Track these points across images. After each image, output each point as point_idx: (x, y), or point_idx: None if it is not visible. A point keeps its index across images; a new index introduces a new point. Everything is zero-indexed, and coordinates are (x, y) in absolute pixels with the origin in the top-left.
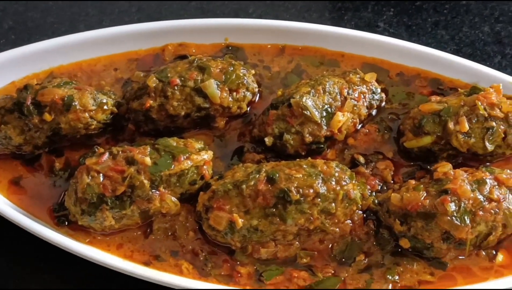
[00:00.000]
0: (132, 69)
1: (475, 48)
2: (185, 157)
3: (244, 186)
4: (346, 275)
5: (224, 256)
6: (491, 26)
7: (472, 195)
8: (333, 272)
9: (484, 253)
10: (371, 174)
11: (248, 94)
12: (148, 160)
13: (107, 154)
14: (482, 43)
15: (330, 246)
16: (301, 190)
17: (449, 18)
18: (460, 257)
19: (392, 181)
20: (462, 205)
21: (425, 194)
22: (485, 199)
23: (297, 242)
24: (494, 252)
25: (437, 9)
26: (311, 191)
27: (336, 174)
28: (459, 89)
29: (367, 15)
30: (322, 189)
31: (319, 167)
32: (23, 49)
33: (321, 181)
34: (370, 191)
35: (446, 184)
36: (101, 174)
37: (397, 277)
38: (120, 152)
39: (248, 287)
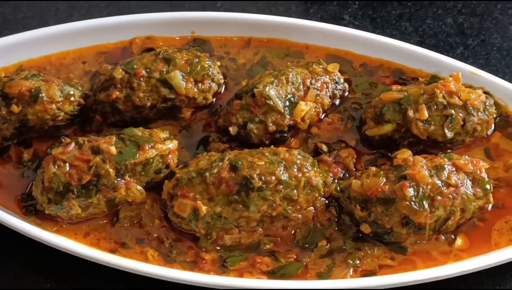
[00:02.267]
0: (100, 62)
1: (438, 39)
2: (150, 146)
3: (207, 173)
4: (308, 260)
5: (189, 243)
6: (454, 18)
7: (430, 180)
8: (295, 257)
9: (443, 237)
10: (334, 162)
11: (214, 85)
12: (113, 149)
13: (73, 144)
14: (445, 34)
15: (293, 232)
16: (263, 177)
17: (413, 11)
18: (419, 242)
19: (354, 169)
20: (421, 190)
21: (384, 180)
22: (443, 184)
23: (260, 229)
24: (453, 237)
25: (401, 2)
26: (273, 178)
27: (298, 161)
28: (420, 78)
29: (332, 8)
30: (284, 176)
31: (281, 155)
32: None
33: (283, 168)
34: (332, 178)
35: (405, 170)
36: (67, 164)
37: (358, 262)
38: (86, 142)
39: (212, 273)
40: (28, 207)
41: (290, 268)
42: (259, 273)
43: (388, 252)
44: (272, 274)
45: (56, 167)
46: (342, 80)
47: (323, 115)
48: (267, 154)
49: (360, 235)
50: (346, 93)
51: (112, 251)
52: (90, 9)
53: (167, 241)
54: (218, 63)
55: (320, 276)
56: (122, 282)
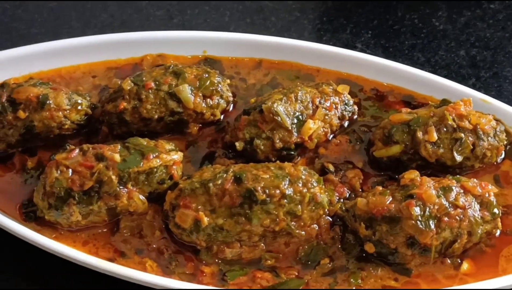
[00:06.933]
0: (110, 77)
1: (450, 70)
2: (154, 155)
3: (211, 184)
4: (310, 277)
5: (188, 255)
6: (466, 51)
7: (437, 200)
8: (296, 274)
9: (449, 261)
10: (340, 182)
11: (222, 101)
12: (117, 157)
13: (77, 150)
14: (457, 66)
15: (296, 250)
16: (267, 190)
17: (425, 42)
18: (425, 264)
19: (360, 190)
20: (427, 210)
21: (390, 199)
22: (450, 205)
23: (262, 244)
24: (460, 261)
25: (414, 33)
26: (277, 191)
27: (303, 177)
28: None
29: (345, 37)
30: (289, 191)
31: (287, 170)
32: (3, 54)
33: (287, 183)
34: (338, 197)
35: (412, 189)
36: (70, 169)
37: (360, 281)
38: (91, 149)
39: (211, 286)
40: (29, 213)
41: (291, 285)
42: (258, 288)
43: (392, 273)
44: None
45: (59, 172)
46: (351, 102)
47: (331, 136)
48: (272, 168)
49: (364, 254)
50: (355, 116)
51: (111, 260)
52: (103, 28)
53: (167, 252)
54: (228, 81)
55: None
56: None
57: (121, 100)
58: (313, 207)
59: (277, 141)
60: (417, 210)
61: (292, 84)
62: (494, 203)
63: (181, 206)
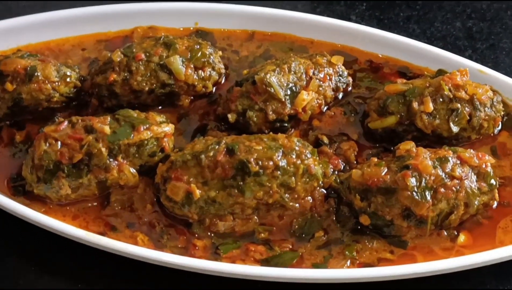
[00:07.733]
0: (100, 50)
1: (446, 42)
2: (145, 127)
3: (203, 156)
4: (304, 250)
5: (181, 229)
6: (463, 22)
7: (433, 171)
8: (290, 247)
9: (445, 233)
10: (335, 154)
11: (214, 73)
12: (107, 129)
13: (66, 123)
14: (453, 37)
15: (290, 222)
16: (260, 162)
17: (421, 14)
18: (420, 237)
19: (355, 162)
20: (423, 180)
21: (386, 170)
22: (447, 176)
23: (255, 217)
24: (456, 233)
25: (409, 5)
26: (271, 163)
27: (297, 148)
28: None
29: (339, 9)
30: (282, 162)
31: (280, 141)
32: None
33: (281, 154)
34: (332, 170)
35: (408, 160)
36: (59, 142)
37: (355, 254)
38: (80, 121)
39: (203, 259)
40: (17, 188)
41: (285, 257)
42: (252, 262)
43: (387, 245)
44: (265, 263)
45: (48, 144)
46: (346, 73)
47: (325, 108)
48: (265, 139)
49: (359, 227)
50: (350, 88)
51: (101, 234)
52: (94, 1)
53: (159, 226)
54: (220, 53)
55: (316, 266)
56: (110, 266)
57: (111, 72)
58: (307, 179)
59: (270, 112)
60: (413, 181)
61: (286, 56)
62: (491, 174)
63: (173, 179)
